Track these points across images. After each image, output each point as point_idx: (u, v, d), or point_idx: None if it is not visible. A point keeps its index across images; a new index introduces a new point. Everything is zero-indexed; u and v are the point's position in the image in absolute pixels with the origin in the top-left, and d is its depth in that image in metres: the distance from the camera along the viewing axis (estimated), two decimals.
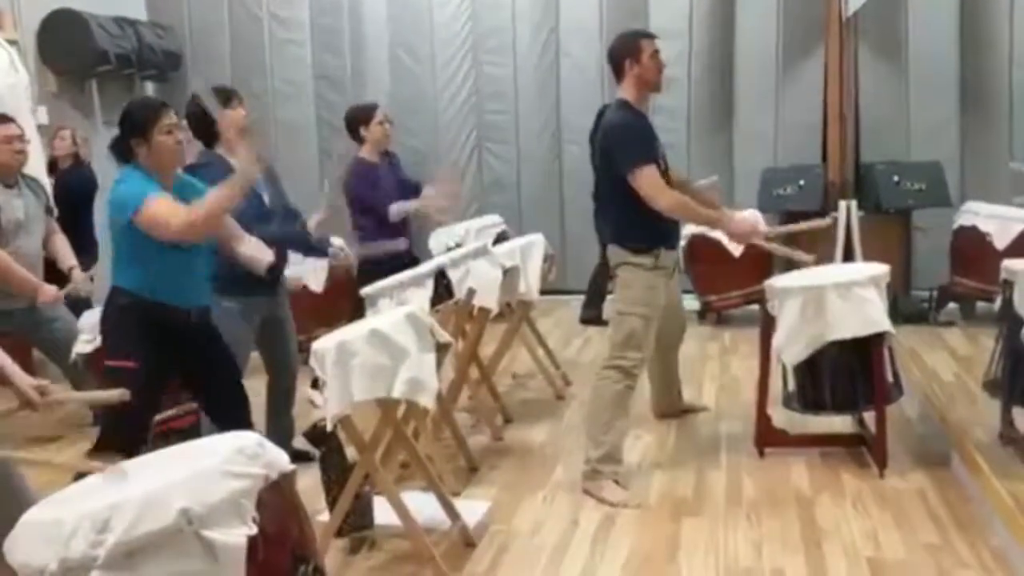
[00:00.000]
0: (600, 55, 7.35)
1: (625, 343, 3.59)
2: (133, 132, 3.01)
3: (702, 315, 6.50)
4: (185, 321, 3.08)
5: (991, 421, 3.73)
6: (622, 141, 3.54)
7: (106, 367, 3.08)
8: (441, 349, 3.12)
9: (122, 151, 3.05)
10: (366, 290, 3.76)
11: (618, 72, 3.66)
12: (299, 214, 3.93)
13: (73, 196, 5.78)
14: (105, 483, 1.98)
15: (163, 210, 2.90)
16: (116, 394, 2.50)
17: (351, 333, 2.95)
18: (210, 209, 2.92)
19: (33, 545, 1.78)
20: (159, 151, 3.00)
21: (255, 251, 3.29)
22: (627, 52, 3.62)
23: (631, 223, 3.62)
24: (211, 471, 1.85)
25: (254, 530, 1.83)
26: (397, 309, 3.28)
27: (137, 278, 3.01)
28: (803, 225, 4.32)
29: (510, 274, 4.39)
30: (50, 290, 4.14)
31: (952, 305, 5.91)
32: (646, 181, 3.49)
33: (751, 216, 3.85)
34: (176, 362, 3.12)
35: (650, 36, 3.71)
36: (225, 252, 3.26)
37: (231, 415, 3.09)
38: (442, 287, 3.85)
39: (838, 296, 3.59)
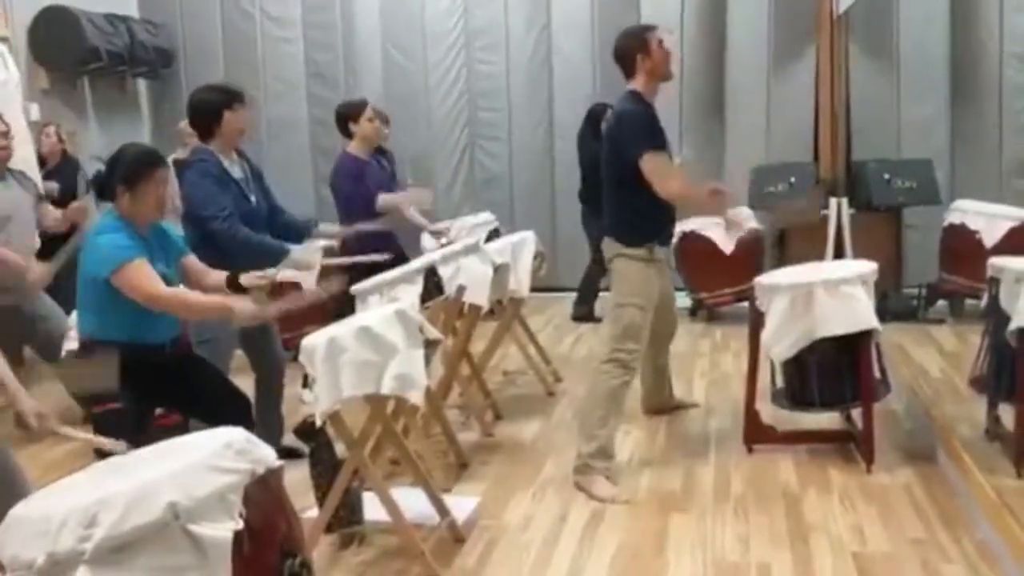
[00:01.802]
0: (592, 51, 7.39)
1: (624, 335, 3.61)
2: (121, 179, 2.99)
3: (694, 312, 6.52)
4: (161, 356, 3.08)
5: (978, 417, 3.76)
6: (631, 130, 3.59)
7: (93, 413, 3.09)
8: (430, 346, 3.13)
9: (104, 190, 3.05)
10: (356, 287, 3.77)
11: (629, 68, 3.68)
12: (284, 211, 3.95)
13: (64, 191, 5.81)
14: (94, 477, 1.99)
15: (140, 280, 2.91)
16: (116, 445, 2.52)
17: (340, 329, 2.96)
18: (185, 304, 3.00)
19: (22, 539, 1.79)
20: (141, 204, 3.00)
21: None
22: (637, 47, 3.65)
23: (628, 217, 3.67)
24: (198, 466, 1.86)
25: (240, 524, 1.85)
26: (386, 306, 3.29)
27: (107, 325, 2.98)
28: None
29: (500, 271, 4.41)
30: (38, 268, 4.12)
31: (941, 302, 5.94)
32: (655, 167, 3.53)
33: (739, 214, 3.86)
34: (162, 396, 3.13)
35: (652, 28, 3.76)
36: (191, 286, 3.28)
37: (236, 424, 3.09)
38: (432, 284, 3.86)
39: (826, 293, 3.61)
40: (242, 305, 3.02)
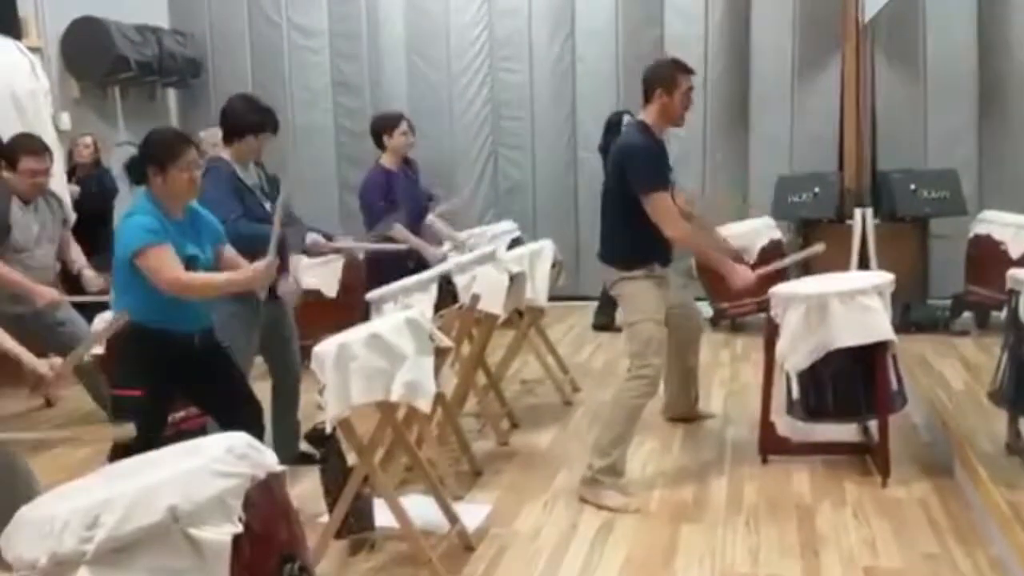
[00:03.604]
0: (616, 60, 7.39)
1: (644, 351, 3.59)
2: (152, 161, 3.04)
3: (715, 322, 6.49)
4: (189, 346, 3.10)
5: (999, 431, 3.71)
6: (638, 164, 3.59)
7: (113, 396, 3.13)
8: (440, 354, 3.15)
9: (136, 173, 3.09)
10: (371, 294, 3.81)
11: (648, 95, 3.69)
12: (300, 221, 3.99)
13: (95, 200, 5.93)
14: (100, 480, 2.03)
15: (162, 264, 2.94)
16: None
17: (351, 336, 2.99)
18: (204, 286, 3.03)
19: (26, 540, 1.83)
20: (174, 185, 3.03)
21: None
22: (662, 81, 3.66)
23: (626, 244, 3.69)
24: (200, 470, 1.89)
25: (240, 528, 1.87)
26: (398, 313, 3.31)
27: (138, 306, 3.01)
28: (792, 258, 4.49)
29: (517, 280, 4.42)
30: (47, 292, 4.21)
31: (967, 314, 5.86)
32: (659, 207, 3.55)
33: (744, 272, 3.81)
34: (183, 386, 3.16)
35: (688, 71, 3.73)
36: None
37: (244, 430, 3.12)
38: (446, 292, 3.88)
39: (841, 304, 3.58)
40: (247, 280, 3.06)
